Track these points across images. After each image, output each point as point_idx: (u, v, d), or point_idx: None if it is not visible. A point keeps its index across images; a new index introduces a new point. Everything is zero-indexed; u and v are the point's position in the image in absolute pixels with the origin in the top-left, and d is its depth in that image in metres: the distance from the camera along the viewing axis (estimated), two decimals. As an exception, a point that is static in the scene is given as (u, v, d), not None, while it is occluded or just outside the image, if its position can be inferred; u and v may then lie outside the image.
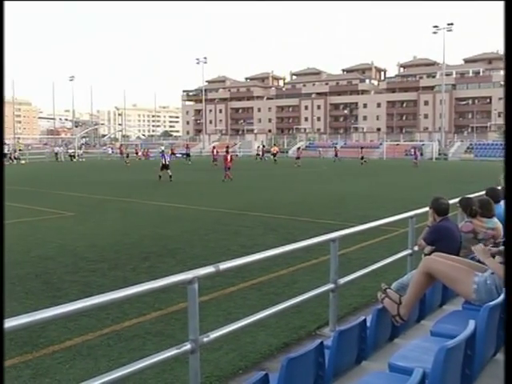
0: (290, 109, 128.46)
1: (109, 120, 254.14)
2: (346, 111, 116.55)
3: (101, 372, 4.58)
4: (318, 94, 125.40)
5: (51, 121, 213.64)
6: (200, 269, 4.01)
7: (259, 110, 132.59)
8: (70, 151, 67.26)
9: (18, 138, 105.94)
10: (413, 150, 53.92)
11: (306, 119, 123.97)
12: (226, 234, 12.58)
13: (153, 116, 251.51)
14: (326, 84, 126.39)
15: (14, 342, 5.59)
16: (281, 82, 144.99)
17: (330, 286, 5.78)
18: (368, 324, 3.81)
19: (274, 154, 55.65)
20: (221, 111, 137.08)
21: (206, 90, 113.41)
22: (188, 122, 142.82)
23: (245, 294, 7.47)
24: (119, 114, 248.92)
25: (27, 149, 73.03)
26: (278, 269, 8.73)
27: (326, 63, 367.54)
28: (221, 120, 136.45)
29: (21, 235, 12.59)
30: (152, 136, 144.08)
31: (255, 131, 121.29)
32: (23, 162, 55.63)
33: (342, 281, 5.88)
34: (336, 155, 58.03)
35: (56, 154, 62.89)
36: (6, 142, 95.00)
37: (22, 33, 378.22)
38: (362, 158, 50.88)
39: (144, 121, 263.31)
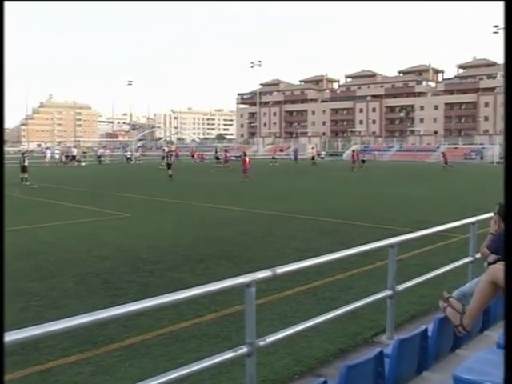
0: (345, 111, 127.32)
1: (165, 123, 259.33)
2: (401, 114, 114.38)
3: (159, 371, 4.67)
4: (373, 96, 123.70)
5: (110, 124, 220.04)
6: (257, 272, 4.01)
7: (313, 112, 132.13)
8: (127, 154, 68.98)
9: (78, 141, 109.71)
10: (473, 154, 52.14)
11: (361, 122, 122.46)
12: (281, 237, 12.57)
13: (207, 119, 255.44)
14: (382, 86, 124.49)
15: (75, 339, 5.75)
16: (335, 85, 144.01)
17: (388, 292, 5.66)
18: (429, 333, 3.70)
19: (313, 157, 55.61)
20: (275, 114, 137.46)
21: (260, 93, 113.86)
22: (242, 125, 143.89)
23: (300, 298, 7.43)
24: (175, 118, 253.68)
25: (90, 151, 75.15)
26: (333, 273, 8.64)
27: (381, 65, 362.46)
28: (275, 123, 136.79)
29: (82, 235, 12.99)
30: (206, 139, 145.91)
31: (309, 134, 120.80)
32: (83, 163, 57.48)
33: (399, 287, 5.75)
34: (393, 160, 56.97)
35: (128, 158, 64.63)
36: (68, 144, 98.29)
37: (83, 39, 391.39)
38: (446, 162, 48.56)
39: (199, 124, 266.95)
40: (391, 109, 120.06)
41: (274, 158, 60.43)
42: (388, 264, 5.68)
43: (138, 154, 72.64)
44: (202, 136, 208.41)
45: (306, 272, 8.05)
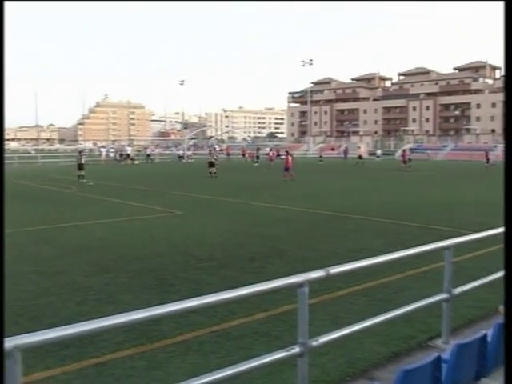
0: (397, 110, 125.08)
1: (216, 122, 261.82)
2: (457, 112, 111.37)
3: (210, 368, 4.70)
4: (426, 94, 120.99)
5: (162, 123, 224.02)
6: (310, 272, 3.99)
7: (365, 111, 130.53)
8: (179, 152, 70.06)
9: (132, 140, 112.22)
10: None
11: (414, 120, 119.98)
12: (332, 236, 12.47)
13: (258, 118, 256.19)
14: (436, 84, 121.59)
15: (130, 333, 5.87)
16: (387, 83, 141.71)
17: (444, 295, 5.52)
18: (489, 339, 3.57)
19: (360, 156, 54.51)
20: (326, 113, 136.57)
21: (311, 92, 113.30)
22: (293, 124, 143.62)
23: (352, 299, 7.34)
24: (226, 116, 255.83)
25: (142, 150, 76.77)
26: (385, 275, 8.49)
27: (435, 62, 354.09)
28: (326, 122, 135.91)
29: (136, 232, 13.27)
30: (257, 137, 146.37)
31: (361, 133, 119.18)
32: (137, 162, 58.75)
33: (456, 291, 5.60)
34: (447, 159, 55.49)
35: (180, 156, 65.72)
36: (122, 143, 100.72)
37: (137, 39, 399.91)
38: (488, 161, 47.80)
39: (250, 122, 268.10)
40: (446, 107, 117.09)
41: (321, 156, 60.23)
42: (444, 266, 5.54)
43: (189, 152, 73.69)
44: (252, 135, 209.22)
45: (358, 272, 7.91)
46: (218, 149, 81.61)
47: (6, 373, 2.54)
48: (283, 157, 52.41)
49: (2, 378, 2.37)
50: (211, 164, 35.54)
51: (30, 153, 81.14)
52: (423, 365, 2.86)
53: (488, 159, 47.71)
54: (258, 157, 56.11)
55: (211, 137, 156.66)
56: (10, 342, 2.54)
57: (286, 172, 32.59)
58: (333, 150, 59.55)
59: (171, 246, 11.28)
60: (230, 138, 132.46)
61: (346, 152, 61.20)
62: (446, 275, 5.51)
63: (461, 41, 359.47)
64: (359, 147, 67.84)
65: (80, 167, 31.81)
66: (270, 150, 57.99)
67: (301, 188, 26.61)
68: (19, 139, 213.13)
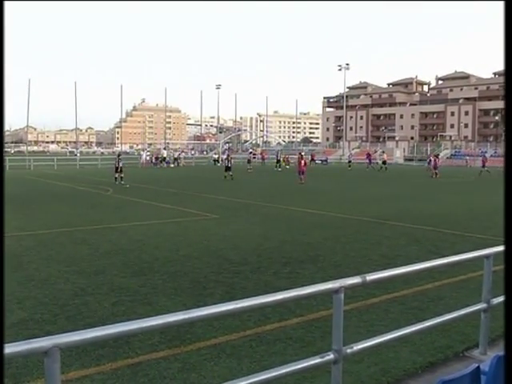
0: (435, 115, 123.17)
1: (251, 126, 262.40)
2: (497, 117, 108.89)
3: (244, 373, 4.72)
4: (466, 99, 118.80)
5: (198, 127, 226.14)
6: (346, 279, 3.96)
7: (401, 116, 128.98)
8: (214, 156, 70.68)
9: (168, 143, 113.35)
10: None
11: (452, 126, 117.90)
12: (367, 242, 12.35)
13: (293, 122, 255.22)
14: (476, 88, 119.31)
15: (164, 335, 5.93)
16: (425, 88, 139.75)
17: (482, 305, 5.42)
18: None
19: (384, 162, 54.80)
20: (361, 118, 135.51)
21: (347, 97, 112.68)
22: (328, 129, 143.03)
23: (387, 306, 7.25)
24: (261, 121, 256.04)
25: (179, 152, 77.63)
26: (422, 282, 8.36)
27: (475, 66, 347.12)
28: (361, 127, 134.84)
29: (171, 234, 13.41)
30: (292, 142, 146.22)
31: (397, 138, 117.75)
32: (172, 165, 59.48)
33: (495, 301, 5.48)
34: (483, 165, 54.29)
35: (215, 160, 66.30)
36: (158, 146, 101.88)
37: (174, 44, 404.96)
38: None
39: (285, 127, 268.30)
40: (485, 112, 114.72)
41: (350, 162, 60.09)
42: (483, 275, 5.43)
43: (224, 156, 74.12)
44: (287, 139, 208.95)
45: (393, 280, 7.84)
46: (250, 152, 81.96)
47: (46, 371, 2.62)
48: (318, 161, 51.83)
49: (2, 377, 2.41)
50: (227, 168, 36.28)
51: (75, 154, 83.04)
52: (462, 376, 2.80)
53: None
54: (278, 161, 56.58)
55: (246, 141, 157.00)
56: (49, 341, 2.59)
57: (300, 175, 33.11)
58: (369, 155, 58.59)
59: (205, 250, 11.36)
60: (264, 142, 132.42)
61: (369, 158, 60.12)
62: (486, 285, 5.41)
63: (501, 45, 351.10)
64: (383, 152, 67.34)
65: (117, 170, 32.37)
66: (278, 152, 60.02)
67: (331, 193, 26.46)
68: (58, 142, 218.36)
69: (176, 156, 64.86)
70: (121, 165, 32.62)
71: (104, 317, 6.67)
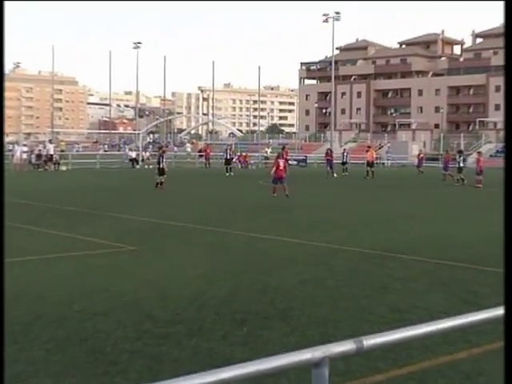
0: (471, 91, 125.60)
1: (188, 107, 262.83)
2: None
3: None
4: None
5: (105, 108, 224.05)
6: (333, 344, 3.93)
7: (420, 92, 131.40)
8: (131, 153, 70.10)
9: (57, 133, 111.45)
10: None
11: (497, 108, 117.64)
12: (368, 287, 12.44)
13: (254, 102, 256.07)
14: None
15: None
16: (456, 49, 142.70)
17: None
18: None
19: (371, 163, 53.75)
20: (359, 95, 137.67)
21: (336, 62, 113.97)
22: (308, 112, 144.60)
23: (398, 387, 7.30)
24: (204, 99, 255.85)
25: (71, 149, 76.76)
26: (451, 349, 8.45)
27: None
28: (359, 109, 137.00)
29: (61, 277, 13.20)
30: (253, 132, 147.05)
31: (413, 126, 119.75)
32: (64, 168, 58.70)
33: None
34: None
35: (133, 160, 65.55)
36: (40, 137, 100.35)
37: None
38: None
39: (241, 109, 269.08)
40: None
41: (344, 163, 58.97)
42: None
43: (147, 153, 73.89)
44: (245, 128, 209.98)
45: (408, 346, 7.89)
46: (189, 149, 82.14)
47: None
48: (293, 162, 52.52)
49: (2, 377, 2.81)
50: (161, 171, 37.47)
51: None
52: None
53: None
54: (228, 161, 57.62)
55: (181, 130, 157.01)
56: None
57: (275, 184, 32.98)
58: (372, 154, 58.19)
59: (116, 300, 11.22)
60: (210, 132, 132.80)
61: (371, 159, 60.15)
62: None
63: None
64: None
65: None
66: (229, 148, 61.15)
67: (315, 210, 26.70)
68: None
69: (53, 152, 61.72)
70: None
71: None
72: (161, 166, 37.50)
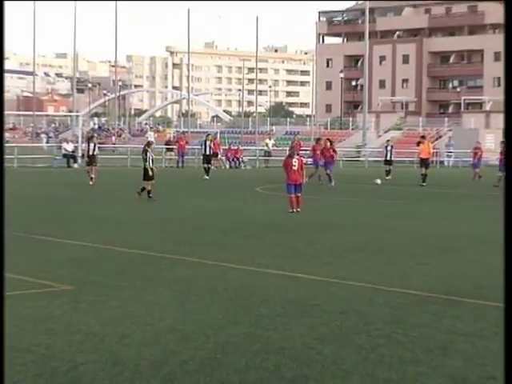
0: None
1: (152, 78, 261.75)
2: None
3: None
4: None
5: (27, 78, 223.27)
6: None
7: (497, 56, 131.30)
8: (66, 146, 69.88)
9: None
10: None
11: None
12: (417, 347, 12.33)
13: (250, 70, 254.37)
14: None
15: None
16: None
17: None
18: None
19: (426, 162, 52.62)
20: (406, 60, 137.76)
21: (372, 12, 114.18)
22: (329, 85, 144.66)
23: None
24: (175, 66, 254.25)
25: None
26: None
27: None
28: (405, 81, 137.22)
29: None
30: (248, 116, 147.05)
31: (487, 107, 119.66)
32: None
33: None
34: None
35: (68, 156, 65.50)
36: None
37: None
38: None
39: (230, 81, 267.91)
40: None
41: (389, 161, 58.40)
42: None
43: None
44: (236, 109, 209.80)
45: None
46: (152, 139, 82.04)
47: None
48: (307, 160, 53.22)
49: (2, 377, 3.66)
50: (147, 175, 38.36)
51: None
52: None
53: None
54: (207, 157, 57.48)
55: (141, 111, 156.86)
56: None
57: (291, 194, 33.05)
58: (424, 146, 56.85)
59: (42, 366, 11.09)
60: (184, 114, 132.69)
61: (425, 154, 59.03)
62: None
63: None
64: (422, 140, 64.02)
65: None
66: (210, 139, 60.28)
67: (339, 231, 26.74)
68: None
69: None
70: None
71: None
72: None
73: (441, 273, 18.97)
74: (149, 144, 42.42)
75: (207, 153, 57.68)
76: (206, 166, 56.28)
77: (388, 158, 58.31)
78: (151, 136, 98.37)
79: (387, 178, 55.58)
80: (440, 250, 22.92)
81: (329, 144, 53.68)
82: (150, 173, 38.14)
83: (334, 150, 53.41)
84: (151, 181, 37.96)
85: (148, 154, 39.59)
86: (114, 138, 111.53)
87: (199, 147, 62.44)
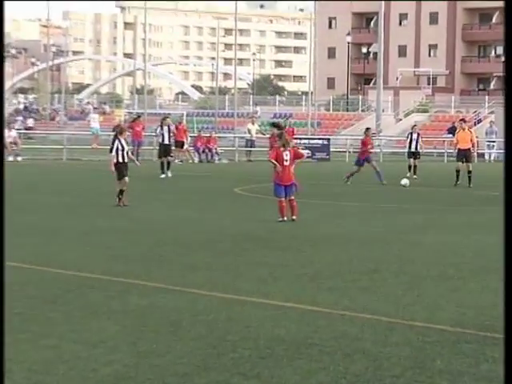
0: None
1: (97, 42, 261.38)
2: None
3: None
4: None
5: None
6: None
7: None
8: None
9: None
10: None
11: None
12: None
13: (227, 32, 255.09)
14: None
15: None
16: None
17: None
18: None
19: (468, 154, 53.24)
20: (434, 19, 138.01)
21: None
22: (333, 53, 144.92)
23: None
24: (127, 25, 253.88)
25: None
26: None
27: None
28: (433, 46, 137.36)
29: None
30: (224, 93, 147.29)
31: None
32: None
33: None
34: None
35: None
36: None
37: None
38: None
39: (201, 46, 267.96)
40: None
41: (414, 153, 57.86)
42: None
43: (12, 133, 73.75)
44: (209, 84, 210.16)
45: None
46: (97, 124, 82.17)
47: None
48: (304, 152, 53.96)
49: (3, 377, 4.03)
50: (120, 171, 38.26)
51: None
52: None
53: None
54: (167, 149, 56.76)
55: (82, 86, 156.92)
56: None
57: (281, 197, 33.21)
58: (463, 133, 56.52)
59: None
60: (139, 91, 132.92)
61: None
62: None
63: None
64: (461, 124, 64.12)
65: None
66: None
67: (347, 247, 26.80)
68: None
69: None
70: None
71: None
72: (119, 157, 37.94)
73: (479, 302, 18.99)
74: (121, 130, 40.84)
75: (165, 142, 56.47)
76: (164, 159, 55.28)
77: (414, 150, 57.58)
78: (95, 119, 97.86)
79: (414, 176, 55.54)
80: (478, 272, 22.98)
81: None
82: (120, 168, 37.91)
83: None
84: (123, 179, 37.67)
85: (116, 143, 38.69)
86: (45, 122, 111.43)
87: (154, 134, 61.13)
